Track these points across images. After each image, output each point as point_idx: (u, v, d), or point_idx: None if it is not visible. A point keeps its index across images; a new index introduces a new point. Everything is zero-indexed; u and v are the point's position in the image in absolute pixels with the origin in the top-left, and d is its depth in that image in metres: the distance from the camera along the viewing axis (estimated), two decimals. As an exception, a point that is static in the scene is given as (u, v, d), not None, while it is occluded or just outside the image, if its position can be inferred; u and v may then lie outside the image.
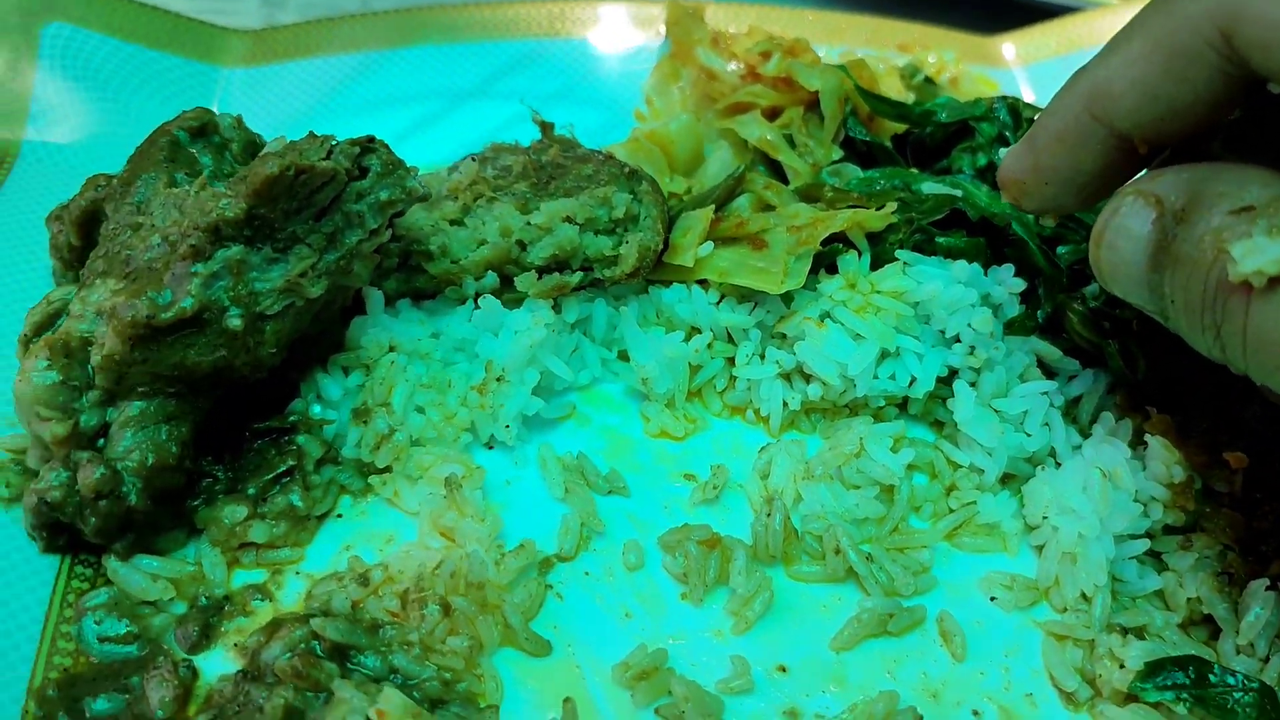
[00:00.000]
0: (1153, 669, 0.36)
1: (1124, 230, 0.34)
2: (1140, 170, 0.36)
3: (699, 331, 0.46)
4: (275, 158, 0.36)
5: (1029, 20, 0.69)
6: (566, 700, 0.35)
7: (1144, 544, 0.41)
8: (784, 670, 0.37)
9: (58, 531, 0.36)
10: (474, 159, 0.47)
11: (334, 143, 0.38)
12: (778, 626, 0.38)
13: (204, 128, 0.42)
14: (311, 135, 0.39)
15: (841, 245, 0.47)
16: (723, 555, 0.39)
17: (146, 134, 0.50)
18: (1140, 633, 0.38)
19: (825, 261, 0.46)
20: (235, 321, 0.36)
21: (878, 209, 0.47)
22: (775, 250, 0.45)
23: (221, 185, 0.39)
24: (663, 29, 0.57)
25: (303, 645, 0.34)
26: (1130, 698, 0.36)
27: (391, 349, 0.43)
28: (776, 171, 0.52)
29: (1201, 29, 0.32)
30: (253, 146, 0.43)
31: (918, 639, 0.38)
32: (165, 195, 0.39)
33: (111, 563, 0.36)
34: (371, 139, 0.39)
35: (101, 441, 0.36)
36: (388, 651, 0.35)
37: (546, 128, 0.51)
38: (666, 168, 0.52)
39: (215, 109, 0.52)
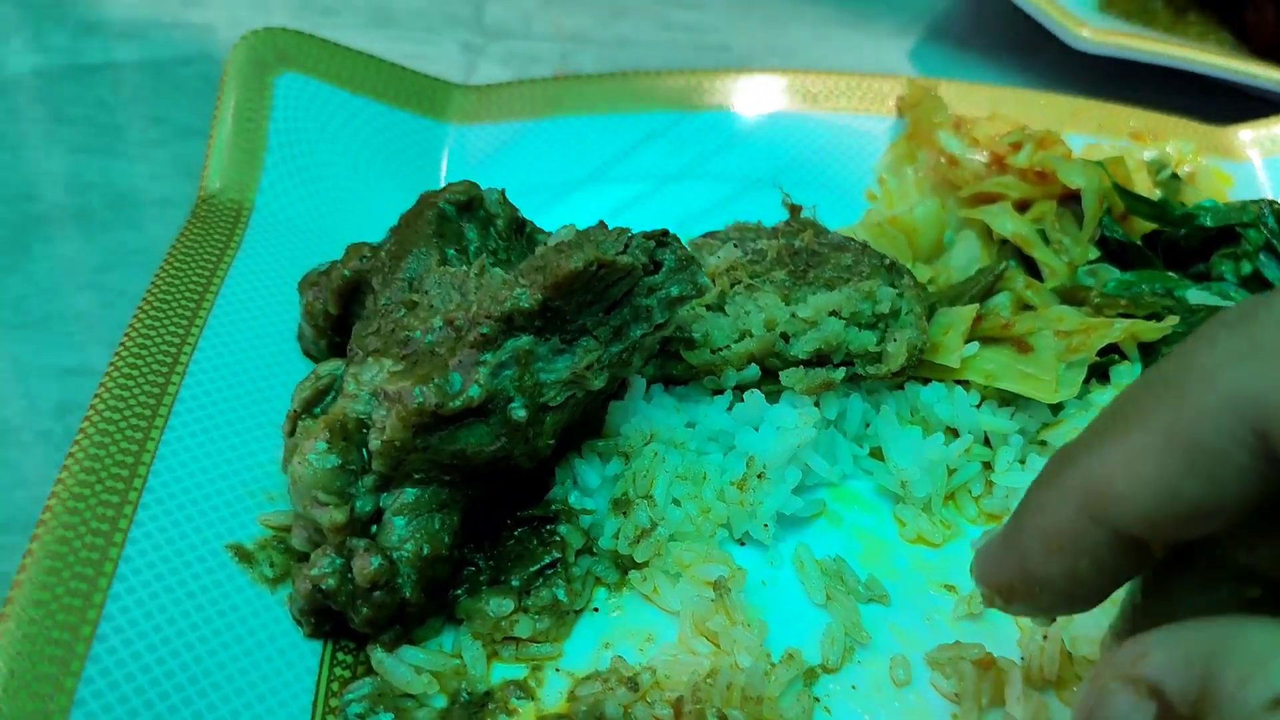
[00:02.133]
0: None
1: (1121, 713, 0.27)
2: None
3: (955, 433, 0.44)
4: (577, 251, 0.35)
5: (1254, 108, 0.66)
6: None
7: None
8: None
9: (325, 618, 0.35)
10: (724, 239, 0.46)
11: (630, 235, 0.36)
12: None
13: (470, 202, 0.41)
14: (603, 225, 0.38)
15: (1117, 355, 0.45)
16: (997, 677, 0.37)
17: (377, 188, 0.50)
18: None
19: (1095, 368, 0.44)
20: (520, 413, 0.35)
21: (1146, 317, 0.45)
22: (1043, 355, 0.43)
23: (500, 269, 0.38)
24: (892, 105, 0.55)
25: None
26: None
27: (650, 438, 0.41)
28: (1026, 266, 0.49)
29: (1227, 425, 0.26)
30: (517, 223, 0.42)
31: None
32: (440, 274, 0.38)
33: (377, 653, 0.35)
34: (665, 233, 0.37)
35: (374, 528, 0.35)
36: None
37: (795, 210, 0.49)
38: (909, 253, 0.50)
39: (443, 166, 0.52)
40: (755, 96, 0.54)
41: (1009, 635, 0.40)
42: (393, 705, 0.34)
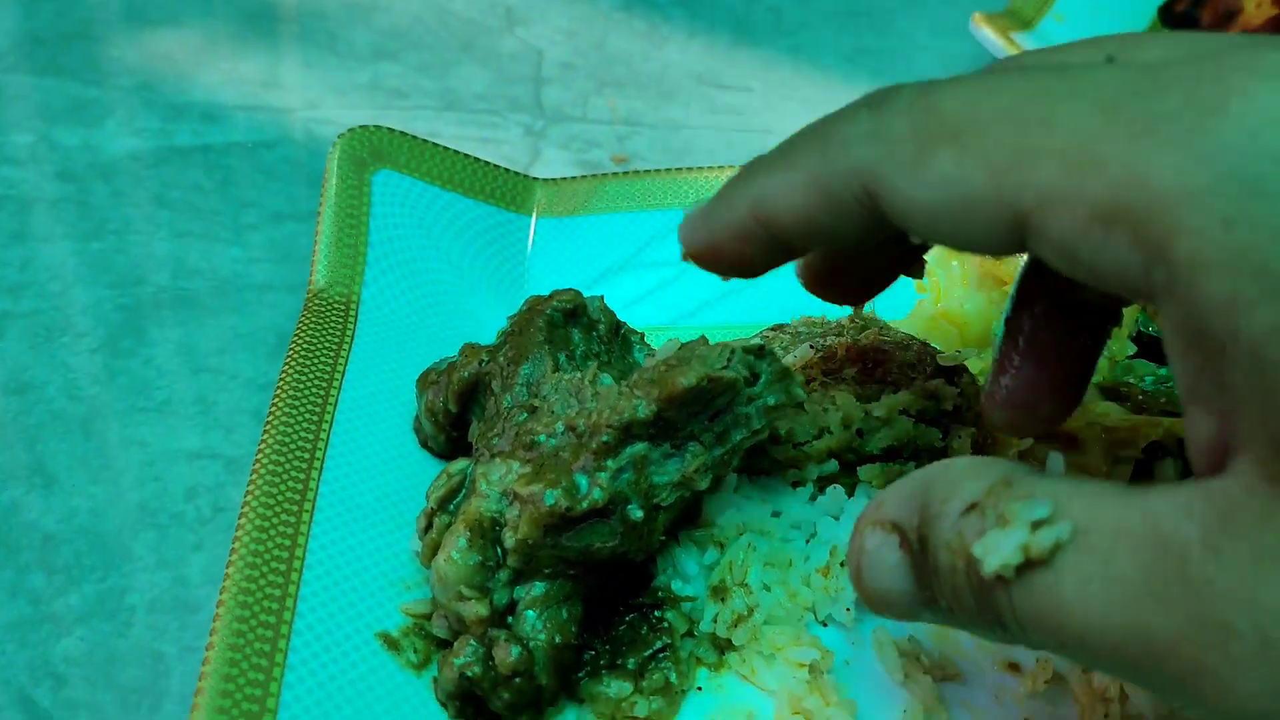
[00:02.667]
0: None
1: (878, 565, 0.33)
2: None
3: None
4: (688, 369, 0.39)
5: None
6: None
7: None
8: None
9: (468, 701, 0.39)
10: (794, 334, 0.50)
11: (732, 351, 0.41)
12: None
13: (576, 310, 0.45)
14: (704, 340, 0.42)
15: (1160, 451, 0.50)
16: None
17: (470, 280, 0.54)
18: None
19: (1139, 464, 0.49)
20: (638, 513, 0.39)
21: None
22: (1092, 452, 0.48)
23: (609, 376, 0.42)
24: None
25: None
26: None
27: (742, 530, 0.46)
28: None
29: (851, 185, 0.32)
30: (615, 327, 0.46)
31: None
32: (556, 380, 0.42)
33: (517, 736, 0.39)
34: (762, 348, 0.42)
35: (509, 619, 0.39)
36: None
37: (859, 306, 0.53)
38: (959, 342, 0.55)
39: (527, 255, 0.56)
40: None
41: (1070, 711, 0.45)
42: (530, 781, 0.39)
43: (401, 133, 0.55)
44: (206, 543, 0.46)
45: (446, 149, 0.56)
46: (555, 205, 0.57)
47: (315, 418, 0.44)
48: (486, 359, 0.44)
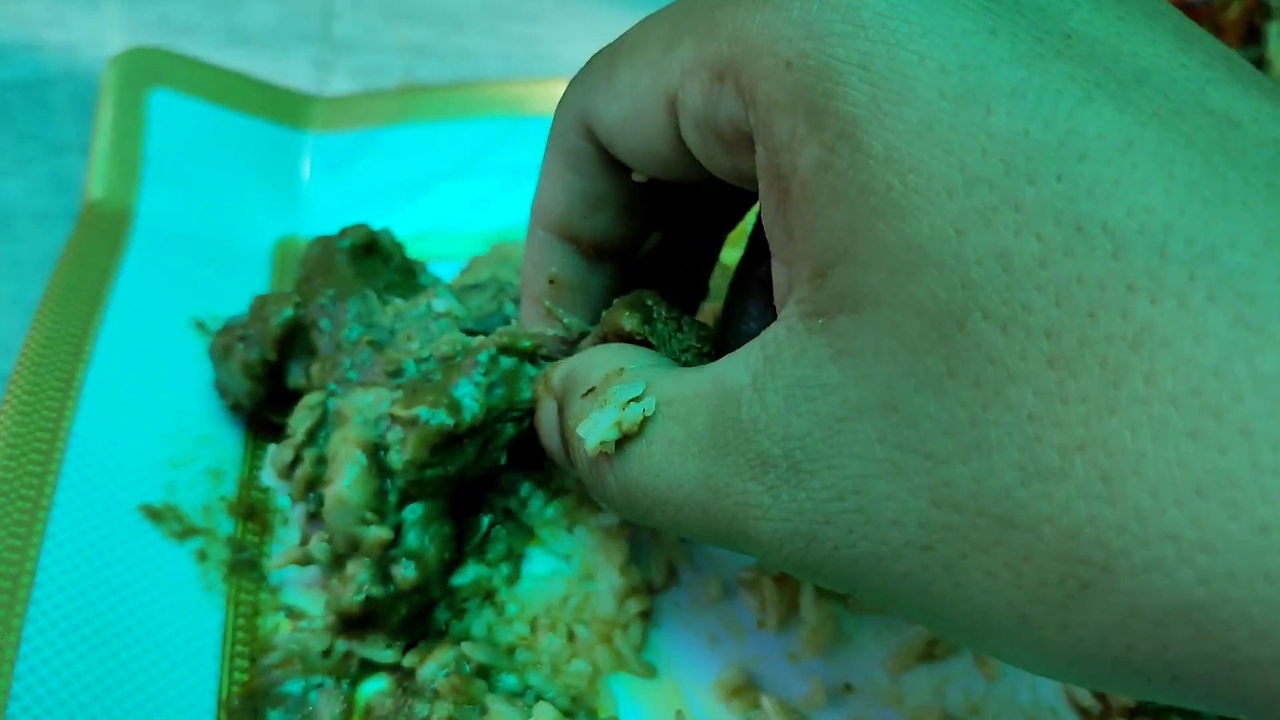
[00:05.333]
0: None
1: (545, 423, 0.37)
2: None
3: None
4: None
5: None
6: (678, 712, 0.40)
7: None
8: (850, 689, 0.43)
9: (354, 624, 0.39)
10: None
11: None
12: (842, 652, 0.44)
13: (371, 244, 0.46)
14: (498, 248, 0.45)
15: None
16: (792, 590, 0.46)
17: (246, 195, 0.56)
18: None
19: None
20: (510, 429, 0.40)
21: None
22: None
23: (451, 297, 0.44)
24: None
25: (453, 665, 0.39)
26: (1135, 711, 0.43)
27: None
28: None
29: (577, 130, 0.35)
30: (405, 261, 0.48)
31: (958, 663, 0.45)
32: (395, 309, 0.44)
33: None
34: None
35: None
36: (523, 671, 0.40)
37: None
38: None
39: (305, 172, 0.57)
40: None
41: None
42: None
43: (177, 54, 0.57)
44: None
45: (222, 69, 0.57)
46: (335, 121, 0.59)
47: (85, 311, 0.45)
48: (297, 303, 0.44)
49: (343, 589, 0.39)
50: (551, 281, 0.39)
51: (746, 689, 0.41)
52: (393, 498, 0.40)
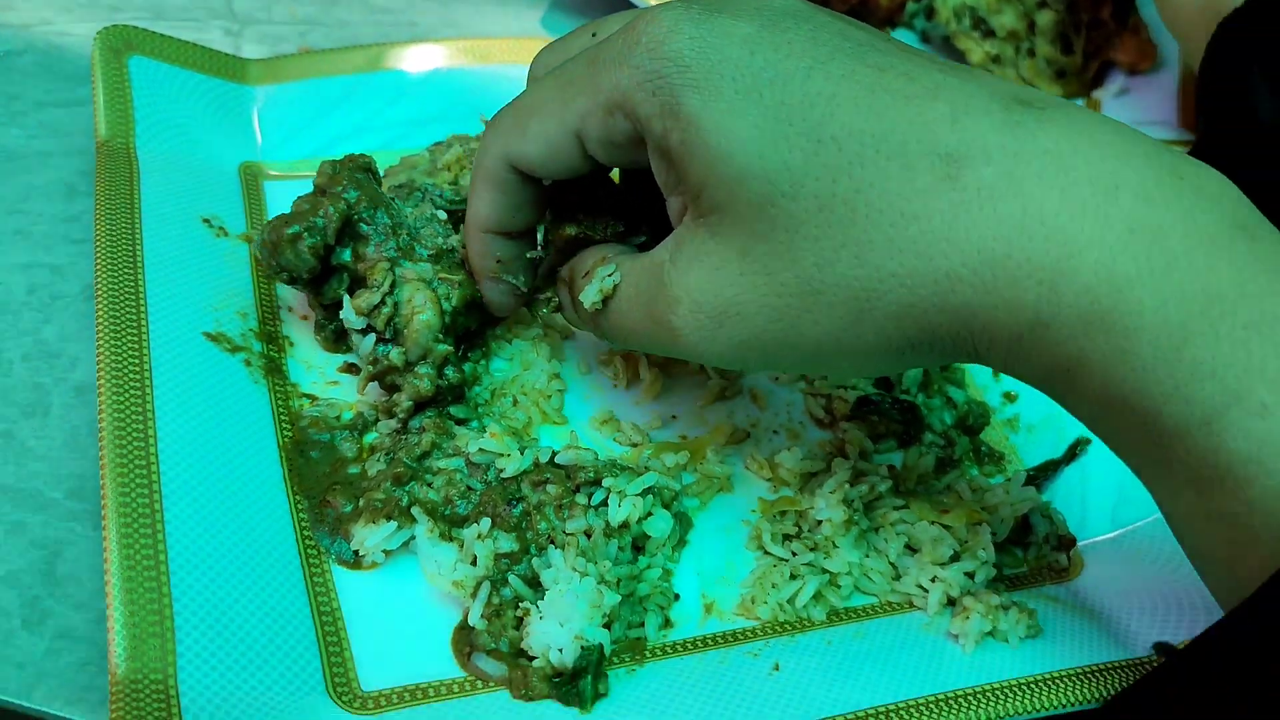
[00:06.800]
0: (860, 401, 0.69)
1: (564, 300, 0.56)
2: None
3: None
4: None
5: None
6: (571, 433, 0.63)
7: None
8: (675, 418, 0.64)
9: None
10: (452, 144, 0.75)
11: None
12: (668, 398, 0.63)
13: (369, 166, 0.62)
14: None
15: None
16: (633, 363, 0.68)
17: (210, 138, 0.75)
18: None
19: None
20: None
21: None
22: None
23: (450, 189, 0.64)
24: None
25: (435, 414, 0.60)
26: (850, 416, 0.68)
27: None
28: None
29: (502, 166, 0.51)
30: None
31: (741, 400, 0.69)
32: (420, 212, 0.61)
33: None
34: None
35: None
36: (482, 418, 0.62)
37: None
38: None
39: (254, 115, 0.77)
40: (450, 57, 0.83)
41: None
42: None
43: (144, 29, 0.75)
44: (55, 317, 0.66)
45: (179, 40, 0.76)
46: (267, 77, 0.78)
47: (128, 214, 0.63)
48: (347, 203, 0.58)
49: (420, 381, 0.57)
50: (498, 261, 0.54)
51: (611, 420, 0.65)
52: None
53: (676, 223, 0.46)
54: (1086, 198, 0.38)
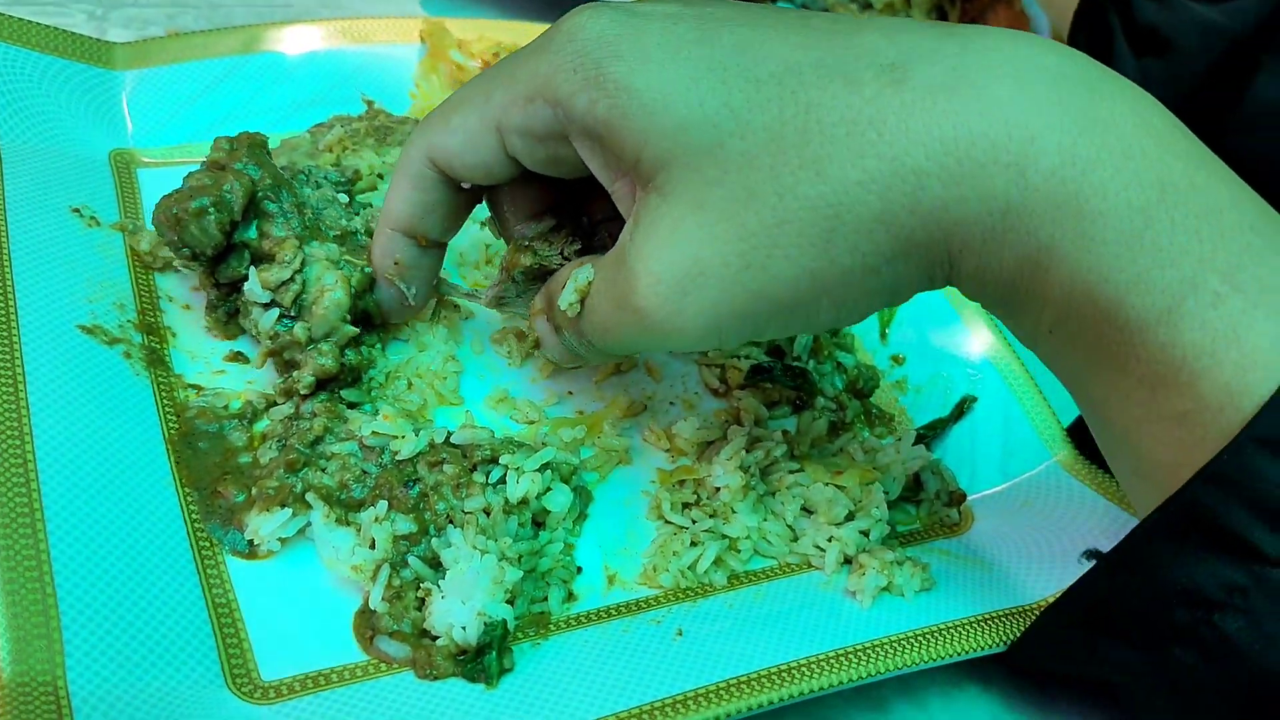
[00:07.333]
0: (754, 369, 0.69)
1: (544, 336, 0.53)
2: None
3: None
4: None
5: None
6: (467, 413, 0.63)
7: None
8: (571, 394, 0.64)
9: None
10: (334, 125, 0.73)
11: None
12: (563, 376, 0.65)
13: (264, 144, 0.60)
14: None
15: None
16: (529, 342, 0.68)
17: (78, 121, 0.72)
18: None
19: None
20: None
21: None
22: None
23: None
24: (416, 36, 0.83)
25: (327, 398, 0.59)
26: (743, 385, 0.69)
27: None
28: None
29: (422, 161, 0.51)
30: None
31: (636, 373, 0.69)
32: (320, 194, 0.61)
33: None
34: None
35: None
36: (376, 402, 0.61)
37: (370, 103, 0.77)
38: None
39: (123, 100, 0.74)
40: (328, 38, 0.81)
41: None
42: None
43: (3, 13, 0.72)
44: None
45: (45, 25, 0.73)
46: (134, 61, 0.76)
47: None
48: (252, 180, 0.57)
49: (324, 358, 0.56)
50: (397, 262, 0.54)
51: (506, 399, 0.65)
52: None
53: (628, 212, 0.45)
54: (1039, 87, 0.38)
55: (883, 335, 0.74)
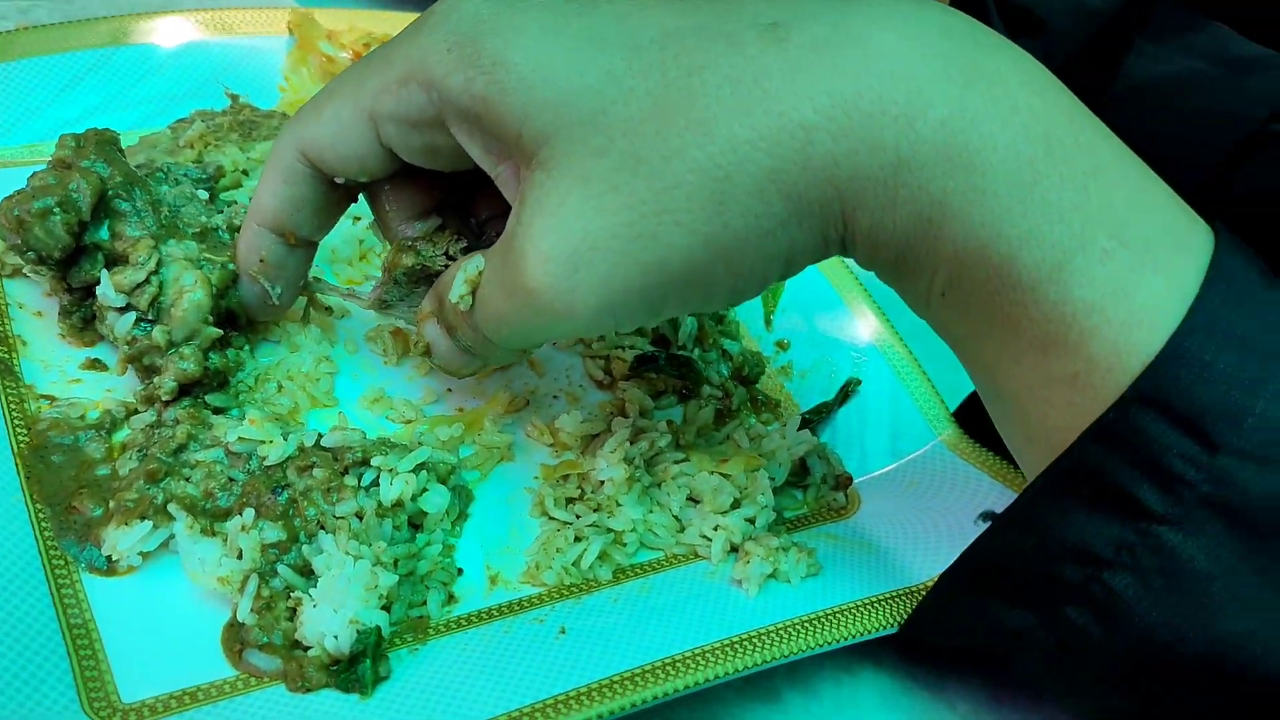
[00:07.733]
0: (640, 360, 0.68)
1: (436, 341, 0.51)
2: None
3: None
4: None
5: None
6: (340, 415, 0.61)
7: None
8: (450, 391, 0.63)
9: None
10: (195, 120, 0.70)
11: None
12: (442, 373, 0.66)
13: (115, 140, 0.57)
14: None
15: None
16: (404, 339, 0.66)
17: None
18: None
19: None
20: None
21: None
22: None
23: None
24: (284, 27, 0.80)
25: (190, 404, 0.57)
26: (628, 376, 0.68)
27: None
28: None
29: (293, 154, 0.48)
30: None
31: (520, 368, 0.68)
32: (178, 192, 0.58)
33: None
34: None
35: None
36: (244, 406, 0.59)
37: (235, 98, 0.74)
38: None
39: (-30, 100, 0.71)
40: (191, 30, 0.78)
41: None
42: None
43: None
44: None
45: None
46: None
47: None
48: (102, 178, 0.54)
49: (185, 362, 0.54)
50: (261, 260, 0.52)
51: (382, 399, 0.62)
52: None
53: (514, 197, 0.43)
54: (923, 40, 0.38)
55: (767, 322, 0.74)
